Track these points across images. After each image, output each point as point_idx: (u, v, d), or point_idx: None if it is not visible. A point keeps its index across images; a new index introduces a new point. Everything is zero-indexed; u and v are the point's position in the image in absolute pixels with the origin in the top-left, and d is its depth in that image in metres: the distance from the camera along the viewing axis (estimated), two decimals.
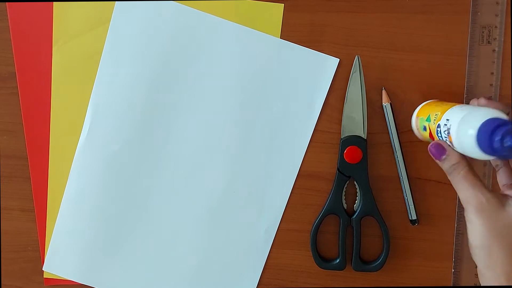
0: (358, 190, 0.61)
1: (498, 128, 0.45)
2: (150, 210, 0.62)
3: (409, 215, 0.61)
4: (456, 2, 0.59)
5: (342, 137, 0.60)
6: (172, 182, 0.61)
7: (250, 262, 0.62)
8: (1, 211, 0.65)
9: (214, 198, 0.61)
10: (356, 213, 0.61)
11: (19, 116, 0.63)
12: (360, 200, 0.61)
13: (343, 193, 0.61)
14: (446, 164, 0.49)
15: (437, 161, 0.49)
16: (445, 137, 0.51)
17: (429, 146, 0.50)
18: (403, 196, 0.61)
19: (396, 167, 0.61)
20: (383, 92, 0.60)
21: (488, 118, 0.46)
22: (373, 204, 0.61)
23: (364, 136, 0.60)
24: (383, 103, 0.60)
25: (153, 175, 0.61)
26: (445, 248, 0.62)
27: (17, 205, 0.64)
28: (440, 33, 0.59)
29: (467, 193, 0.47)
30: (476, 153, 0.47)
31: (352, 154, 0.60)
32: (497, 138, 0.45)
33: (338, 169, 0.61)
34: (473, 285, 0.62)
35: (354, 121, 0.60)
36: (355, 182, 0.61)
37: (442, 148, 0.49)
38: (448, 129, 0.50)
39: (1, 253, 0.65)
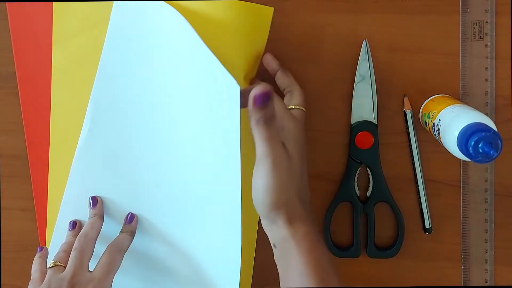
0: (370, 176, 0.61)
1: (476, 133, 0.47)
2: (150, 209, 0.61)
3: (425, 223, 0.61)
4: (455, 2, 0.59)
5: (352, 123, 0.60)
6: (162, 184, 0.60)
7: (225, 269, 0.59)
8: (1, 211, 0.65)
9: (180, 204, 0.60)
10: (370, 199, 0.61)
11: (19, 115, 0.63)
12: (372, 186, 0.61)
13: (356, 179, 0.61)
14: (265, 112, 0.46)
15: (253, 108, 0.46)
16: (437, 136, 0.54)
17: (257, 93, 0.46)
18: (418, 203, 0.62)
19: (413, 171, 0.61)
20: (405, 99, 0.60)
21: (470, 122, 0.48)
22: (386, 189, 0.61)
23: (375, 121, 0.60)
24: (404, 110, 0.60)
25: (153, 175, 0.61)
26: (453, 249, 0.62)
27: (17, 204, 0.64)
28: (439, 33, 0.60)
29: (269, 146, 0.47)
30: (459, 154, 0.49)
31: (363, 140, 0.60)
32: (472, 143, 0.47)
33: (349, 155, 0.61)
34: (483, 282, 0.62)
35: (364, 107, 0.60)
36: (367, 168, 0.61)
37: (268, 97, 0.46)
38: (439, 129, 0.52)
39: (1, 253, 0.65)
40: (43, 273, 0.56)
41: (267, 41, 0.61)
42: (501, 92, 0.60)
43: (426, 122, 0.57)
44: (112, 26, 0.59)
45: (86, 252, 0.55)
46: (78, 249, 0.55)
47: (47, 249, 0.59)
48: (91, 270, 0.55)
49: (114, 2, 0.59)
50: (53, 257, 0.56)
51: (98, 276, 0.54)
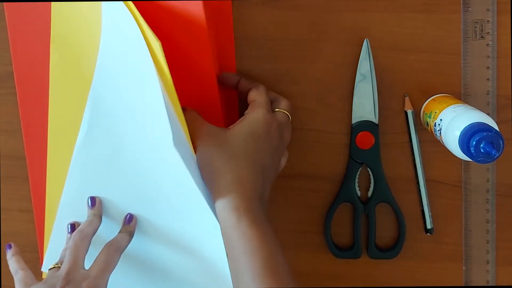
0: (371, 176, 0.61)
1: (477, 133, 0.47)
2: (149, 209, 0.61)
3: (427, 224, 0.61)
4: (456, 1, 0.59)
5: (353, 122, 0.60)
6: (162, 184, 0.60)
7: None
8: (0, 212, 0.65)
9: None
10: (371, 200, 0.61)
11: (17, 116, 0.62)
12: (373, 186, 0.61)
13: (356, 180, 0.61)
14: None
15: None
16: (439, 136, 0.54)
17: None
18: (419, 203, 0.62)
19: (414, 172, 0.61)
20: (406, 99, 0.60)
21: (472, 122, 0.48)
22: (387, 190, 0.61)
23: (375, 121, 0.60)
24: (405, 109, 0.60)
25: (152, 175, 0.60)
26: (455, 250, 0.62)
27: (15, 205, 0.64)
28: (440, 32, 0.59)
29: (199, 127, 0.55)
30: (461, 155, 0.49)
31: (364, 140, 0.60)
32: (474, 142, 0.47)
33: (350, 155, 0.60)
34: (485, 282, 0.62)
35: (365, 106, 0.60)
36: (368, 168, 0.61)
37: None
38: (440, 129, 0.52)
39: (0, 254, 0.65)
40: (25, 270, 0.55)
41: (267, 40, 0.60)
42: (503, 92, 0.59)
43: (427, 122, 0.57)
44: (105, 25, 0.58)
45: (80, 249, 0.54)
46: (71, 247, 0.54)
47: (16, 245, 0.58)
48: (88, 268, 0.55)
49: (102, 2, 0.58)
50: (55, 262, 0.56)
51: (93, 273, 0.53)
